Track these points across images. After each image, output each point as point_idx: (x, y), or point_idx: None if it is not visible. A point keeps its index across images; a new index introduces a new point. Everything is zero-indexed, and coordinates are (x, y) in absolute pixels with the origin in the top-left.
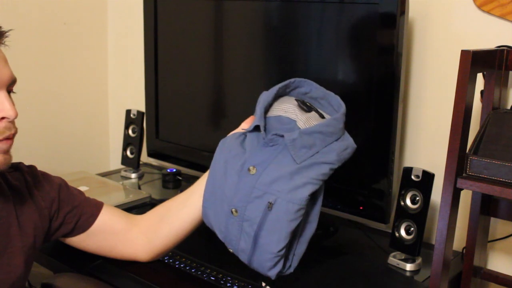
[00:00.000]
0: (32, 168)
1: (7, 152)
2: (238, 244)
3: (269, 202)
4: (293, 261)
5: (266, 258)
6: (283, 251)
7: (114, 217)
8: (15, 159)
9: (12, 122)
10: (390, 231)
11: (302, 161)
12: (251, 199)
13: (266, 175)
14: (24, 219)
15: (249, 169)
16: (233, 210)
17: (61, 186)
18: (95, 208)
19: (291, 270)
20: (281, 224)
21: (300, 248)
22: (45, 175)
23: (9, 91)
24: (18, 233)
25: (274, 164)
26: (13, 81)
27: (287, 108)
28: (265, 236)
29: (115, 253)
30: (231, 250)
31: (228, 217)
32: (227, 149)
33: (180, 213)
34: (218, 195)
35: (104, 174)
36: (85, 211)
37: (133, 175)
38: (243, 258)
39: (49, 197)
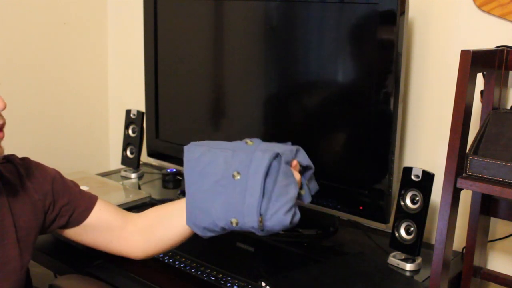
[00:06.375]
0: (25, 160)
1: None
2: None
3: (275, 153)
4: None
5: (282, 201)
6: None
7: (109, 213)
8: None
9: None
10: (390, 231)
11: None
12: (250, 154)
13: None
14: (17, 212)
15: (246, 143)
16: (235, 173)
17: (55, 178)
18: (89, 202)
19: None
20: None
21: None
22: (39, 167)
23: None
24: (12, 225)
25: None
26: None
27: None
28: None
29: (110, 249)
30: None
31: (229, 183)
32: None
33: (182, 218)
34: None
35: (104, 174)
36: (79, 204)
37: (133, 175)
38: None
39: (42, 190)
